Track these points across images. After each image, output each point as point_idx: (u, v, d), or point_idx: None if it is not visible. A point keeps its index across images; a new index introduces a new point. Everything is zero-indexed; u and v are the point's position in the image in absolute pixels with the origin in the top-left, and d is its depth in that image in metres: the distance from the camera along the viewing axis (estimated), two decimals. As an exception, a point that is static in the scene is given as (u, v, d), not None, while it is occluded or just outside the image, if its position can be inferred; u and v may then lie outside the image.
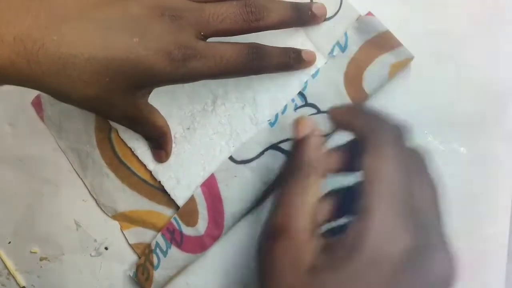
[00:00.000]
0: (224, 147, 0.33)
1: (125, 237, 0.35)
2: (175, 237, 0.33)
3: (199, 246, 0.33)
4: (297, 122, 0.27)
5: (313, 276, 0.22)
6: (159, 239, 0.33)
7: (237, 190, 0.32)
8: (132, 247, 0.35)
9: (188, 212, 0.33)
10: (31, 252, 0.36)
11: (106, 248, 0.35)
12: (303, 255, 0.22)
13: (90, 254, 0.35)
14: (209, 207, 0.32)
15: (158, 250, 0.33)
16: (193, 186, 0.33)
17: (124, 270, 0.35)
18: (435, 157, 0.32)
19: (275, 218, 0.24)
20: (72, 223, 0.36)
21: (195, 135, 0.33)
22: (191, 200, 0.33)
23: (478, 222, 0.32)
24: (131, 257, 0.35)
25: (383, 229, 0.21)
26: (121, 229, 0.35)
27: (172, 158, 0.34)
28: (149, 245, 0.34)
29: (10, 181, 0.36)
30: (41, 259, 0.36)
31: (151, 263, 0.33)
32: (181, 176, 0.33)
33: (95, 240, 0.35)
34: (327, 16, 0.32)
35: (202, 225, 0.32)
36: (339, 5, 0.32)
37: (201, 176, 0.33)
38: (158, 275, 0.33)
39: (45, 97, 0.35)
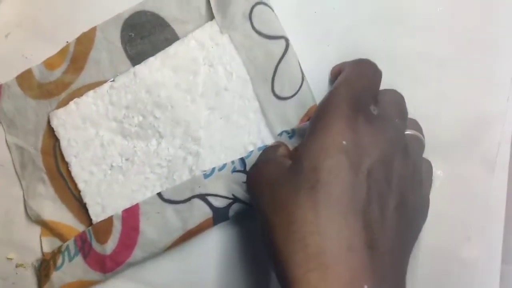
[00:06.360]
0: (158, 189, 0.33)
1: (41, 244, 0.35)
2: (84, 247, 0.33)
3: (100, 264, 0.32)
4: None
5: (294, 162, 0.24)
6: (71, 243, 0.33)
7: (156, 226, 0.32)
8: (44, 255, 0.34)
9: (101, 229, 0.32)
10: (7, 258, 0.36)
11: (83, 257, 0.35)
12: (279, 164, 0.26)
13: (67, 262, 0.35)
14: (123, 233, 0.32)
15: (66, 254, 0.33)
16: None
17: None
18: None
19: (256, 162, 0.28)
20: (50, 230, 0.35)
21: (132, 169, 0.33)
22: (108, 220, 0.32)
23: (453, 245, 0.32)
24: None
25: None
26: (40, 236, 0.35)
27: (103, 186, 0.33)
28: (60, 246, 0.33)
29: (-12, 186, 0.36)
30: (17, 266, 0.36)
31: (55, 263, 0.33)
32: (107, 205, 0.33)
33: (73, 248, 0.35)
34: (286, 95, 0.32)
35: (109, 247, 0.32)
36: (299, 86, 0.32)
37: None
38: (56, 276, 0.33)
39: (5, 89, 0.35)
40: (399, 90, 0.32)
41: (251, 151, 0.32)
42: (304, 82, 0.32)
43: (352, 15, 0.33)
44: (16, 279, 0.36)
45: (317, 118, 0.24)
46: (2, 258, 0.36)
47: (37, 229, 0.35)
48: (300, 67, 0.32)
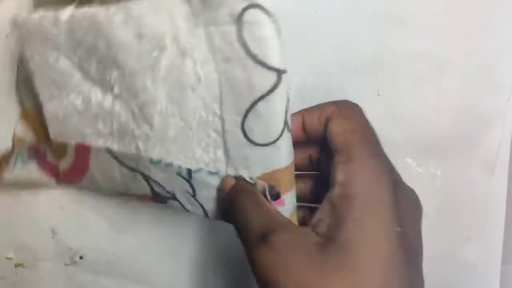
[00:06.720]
0: (109, 144, 0.30)
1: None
2: (38, 156, 0.34)
3: (55, 174, 0.33)
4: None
5: (324, 249, 0.20)
6: (23, 149, 0.34)
7: (102, 174, 0.31)
8: (14, 137, 0.34)
9: (57, 150, 0.33)
10: (6, 258, 0.36)
11: (81, 257, 0.35)
12: (304, 241, 0.21)
13: (65, 263, 0.35)
14: (76, 161, 0.32)
15: (19, 156, 0.34)
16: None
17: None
18: (413, 179, 0.32)
19: (251, 228, 0.22)
20: (49, 230, 0.35)
21: (86, 113, 0.30)
22: (63, 144, 0.32)
23: (453, 245, 0.32)
24: (106, 267, 0.35)
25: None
26: (18, 118, 0.34)
27: (60, 112, 0.31)
28: (11, 151, 0.34)
29: (-12, 185, 0.36)
30: (16, 266, 0.36)
31: (7, 163, 0.34)
32: (63, 132, 0.32)
33: (71, 249, 0.35)
34: (256, 141, 0.24)
35: (64, 166, 0.33)
36: (275, 138, 0.24)
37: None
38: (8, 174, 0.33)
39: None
40: (399, 90, 0.32)
41: (200, 169, 0.27)
42: (283, 135, 0.24)
43: (352, 15, 0.33)
44: (15, 279, 0.36)
45: (356, 196, 0.21)
46: (1, 257, 0.36)
47: (35, 228, 0.35)
48: (286, 116, 0.23)
